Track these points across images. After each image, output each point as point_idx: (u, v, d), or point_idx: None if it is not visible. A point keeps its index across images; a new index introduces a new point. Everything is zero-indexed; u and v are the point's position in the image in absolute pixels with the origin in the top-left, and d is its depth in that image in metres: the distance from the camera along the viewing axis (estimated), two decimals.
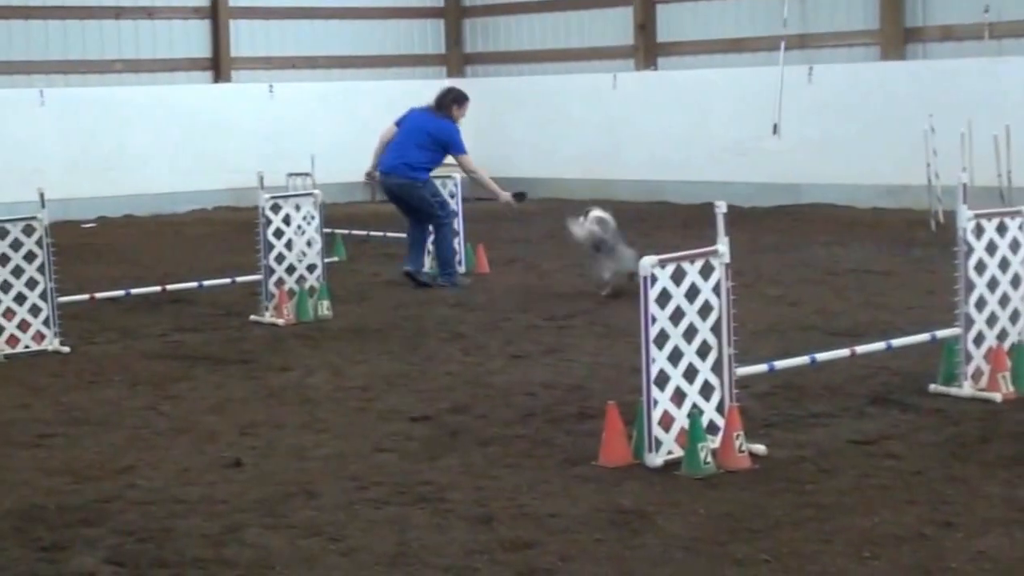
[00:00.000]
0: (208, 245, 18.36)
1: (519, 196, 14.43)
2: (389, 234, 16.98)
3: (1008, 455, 7.46)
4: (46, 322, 11.27)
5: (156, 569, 6.10)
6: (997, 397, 8.60)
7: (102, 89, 23.16)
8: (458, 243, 15.01)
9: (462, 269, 14.93)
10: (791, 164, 21.36)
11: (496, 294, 13.63)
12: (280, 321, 12.16)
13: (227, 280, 13.11)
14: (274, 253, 12.33)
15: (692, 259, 7.49)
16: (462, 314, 12.52)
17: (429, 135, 14.21)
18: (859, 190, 20.45)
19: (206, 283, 13.15)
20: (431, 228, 14.34)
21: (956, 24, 20.52)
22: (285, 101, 24.39)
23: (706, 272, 7.49)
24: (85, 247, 18.19)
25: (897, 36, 21.02)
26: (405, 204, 14.43)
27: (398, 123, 14.51)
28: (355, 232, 17.49)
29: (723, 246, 7.53)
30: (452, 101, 14.45)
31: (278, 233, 12.37)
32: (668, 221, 19.76)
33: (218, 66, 24.46)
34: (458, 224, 15.05)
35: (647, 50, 23.94)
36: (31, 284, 11.26)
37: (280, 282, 12.33)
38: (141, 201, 22.65)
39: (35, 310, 11.25)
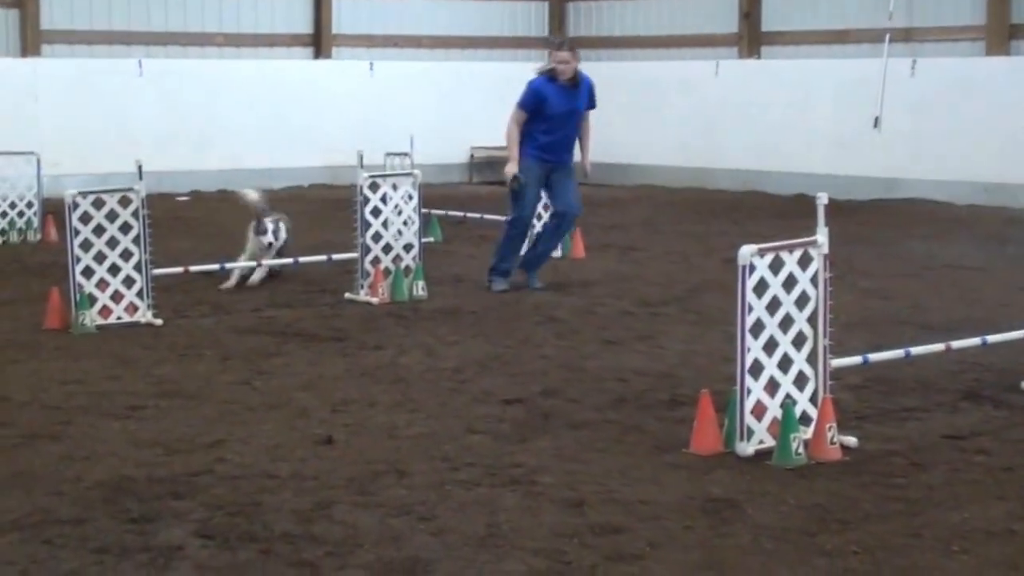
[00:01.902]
0: (303, 222, 18.43)
1: (515, 180, 13.34)
2: (487, 216, 17.02)
3: None
4: (140, 294, 11.34)
5: (244, 543, 6.15)
6: None
7: (201, 62, 23.42)
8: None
9: (558, 254, 14.82)
10: (890, 158, 21.22)
11: (590, 279, 13.65)
12: (374, 300, 12.25)
13: (322, 257, 13.19)
14: (371, 232, 12.41)
15: (791, 249, 7.47)
16: (557, 299, 12.55)
17: None
18: (957, 186, 20.28)
19: (301, 259, 13.26)
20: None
21: None
22: (385, 80, 24.54)
23: (804, 262, 7.48)
24: (179, 220, 18.41)
25: (1002, 32, 20.81)
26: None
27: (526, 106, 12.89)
28: (452, 213, 17.56)
29: (823, 237, 7.51)
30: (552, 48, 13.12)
31: (375, 212, 12.45)
32: (763, 211, 19.70)
33: (319, 42, 24.64)
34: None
35: (751, 39, 23.85)
36: (126, 255, 11.35)
37: (376, 261, 12.41)
38: (236, 176, 22.79)
39: (129, 281, 11.31)
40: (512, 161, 12.71)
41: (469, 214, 17.56)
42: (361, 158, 12.33)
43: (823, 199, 7.46)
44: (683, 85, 23.99)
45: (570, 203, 12.97)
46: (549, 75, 12.76)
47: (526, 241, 13.35)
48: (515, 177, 12.71)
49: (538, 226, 13.85)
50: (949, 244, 16.10)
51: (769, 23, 23.84)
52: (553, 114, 12.71)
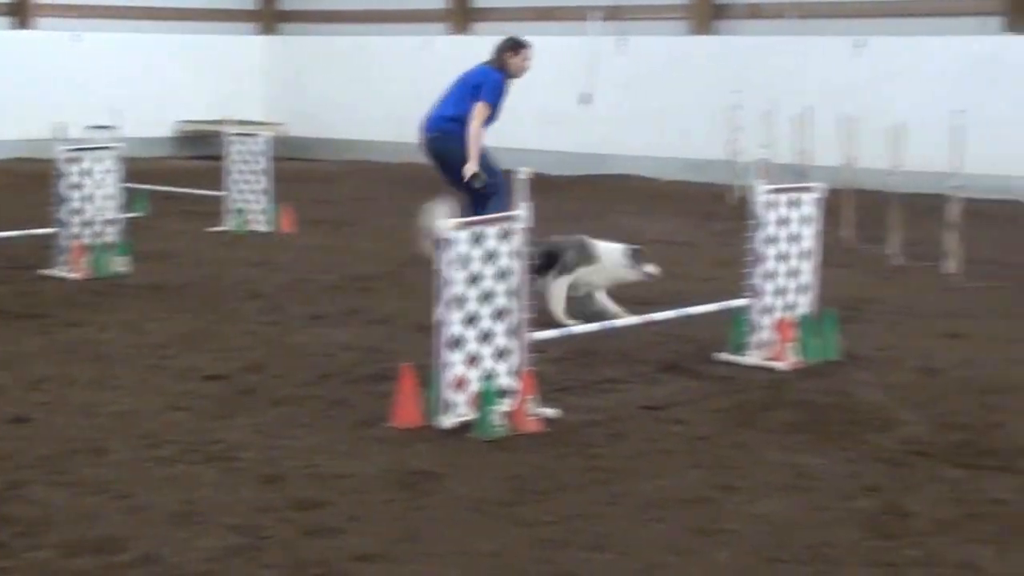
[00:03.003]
0: (2, 196, 17.95)
1: (475, 177, 13.10)
2: (193, 191, 16.78)
3: (789, 422, 7.65)
4: None
5: None
6: (783, 366, 8.82)
7: None
8: (266, 202, 14.89)
9: (267, 228, 14.83)
10: (598, 134, 21.59)
11: (300, 254, 13.56)
12: (74, 276, 11.96)
13: (19, 232, 12.80)
14: (70, 206, 12.09)
15: (492, 223, 7.53)
16: (265, 274, 12.43)
17: (467, 82, 12.93)
18: (664, 163, 20.76)
19: None
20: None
21: (765, 3, 20.91)
22: (90, 51, 23.93)
23: (505, 237, 7.54)
24: None
25: (707, 12, 21.34)
26: (444, 165, 12.86)
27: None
28: (157, 188, 17.23)
29: (524, 211, 7.58)
30: (507, 48, 13.02)
31: (76, 186, 12.13)
32: None
33: (23, 11, 23.88)
34: (266, 183, 14.92)
35: (462, 14, 23.96)
36: None
37: (76, 236, 12.10)
38: None
39: None
40: (473, 160, 12.50)
41: (175, 189, 17.27)
42: (59, 130, 11.99)
43: (523, 174, 7.54)
44: (395, 61, 24.01)
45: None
46: (499, 68, 12.86)
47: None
48: (476, 174, 12.50)
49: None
50: (656, 219, 16.44)
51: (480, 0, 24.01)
52: (500, 107, 12.87)
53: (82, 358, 9.10)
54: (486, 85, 12.75)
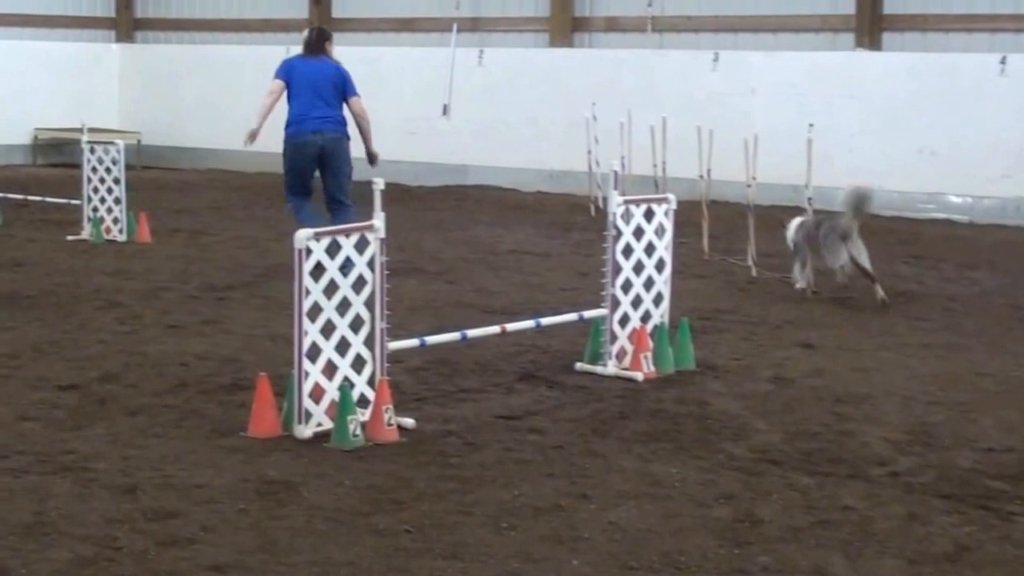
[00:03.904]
0: None
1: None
2: (48, 199, 16.55)
3: (644, 431, 7.73)
4: None
5: None
6: (639, 376, 8.91)
7: None
8: (121, 211, 14.75)
9: (123, 238, 14.70)
10: (459, 145, 21.63)
11: (156, 264, 13.43)
12: None
13: None
14: None
15: (347, 233, 7.53)
16: (120, 283, 12.29)
17: (333, 84, 12.87)
18: (524, 174, 20.86)
19: None
20: (333, 205, 13.04)
21: (622, 16, 21.12)
22: None
23: (361, 246, 7.54)
24: None
25: (565, 24, 21.49)
26: (332, 167, 12.95)
27: (286, 77, 12.91)
28: (12, 196, 16.96)
29: (379, 221, 7.59)
30: (326, 40, 13.11)
31: None
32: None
33: None
34: (120, 192, 14.76)
35: (321, 24, 23.85)
36: None
37: None
38: None
39: None
40: (373, 144, 13.36)
41: (30, 196, 17.03)
42: None
43: (380, 184, 7.56)
44: (255, 70, 23.78)
45: None
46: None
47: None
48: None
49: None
50: (515, 230, 16.52)
51: (339, 10, 23.95)
52: None
53: None
54: (350, 80, 12.93)
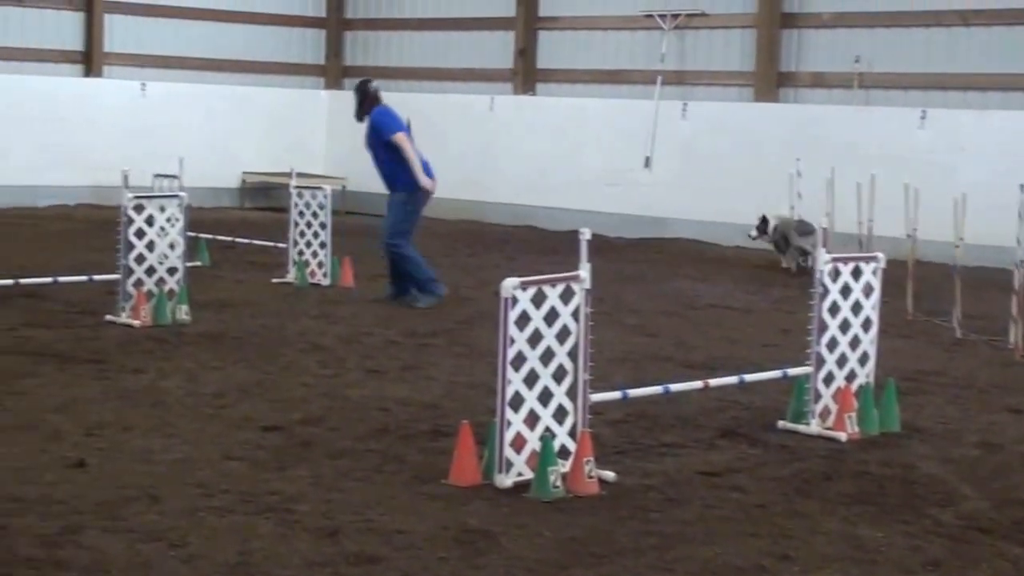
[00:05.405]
0: (67, 242, 18.10)
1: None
2: (255, 241, 16.87)
3: (849, 493, 7.58)
4: None
5: None
6: (842, 436, 8.74)
7: None
8: (326, 255, 14.99)
9: (327, 281, 14.94)
10: (659, 198, 21.56)
11: (359, 308, 13.58)
12: (136, 323, 12.01)
13: (84, 278, 12.91)
14: (134, 253, 12.16)
15: (553, 283, 7.52)
16: (323, 326, 12.46)
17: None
18: (724, 228, 20.68)
19: (61, 279, 12.95)
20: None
21: (828, 72, 20.89)
22: (157, 100, 24.13)
23: (566, 297, 7.53)
24: None
25: (770, 79, 21.34)
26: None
27: (406, 128, 13.97)
28: (220, 237, 17.33)
29: (585, 272, 7.57)
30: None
31: (140, 233, 12.20)
32: (534, 246, 19.85)
33: (90, 60, 24.13)
34: (326, 236, 15.00)
35: (526, 75, 24.07)
36: None
37: (139, 283, 12.17)
38: (0, 192, 22.30)
39: None
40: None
41: (238, 239, 17.37)
42: (126, 178, 12.08)
43: (586, 235, 7.53)
44: (458, 119, 24.07)
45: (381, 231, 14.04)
46: None
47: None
48: None
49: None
50: (714, 284, 16.40)
51: (544, 60, 24.09)
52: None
53: (140, 405, 9.14)
54: None
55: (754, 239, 18.31)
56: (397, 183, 13.81)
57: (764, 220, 18.04)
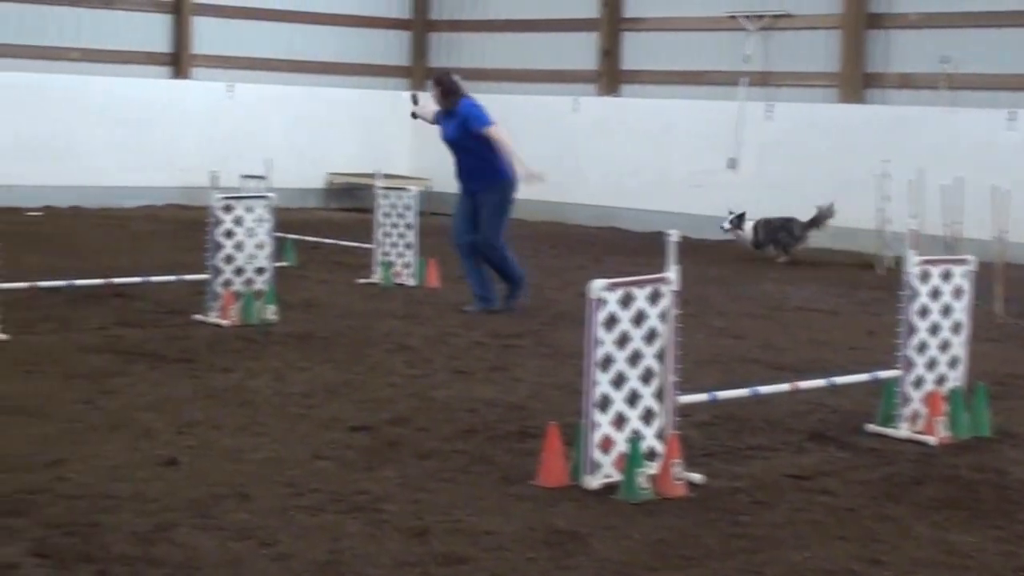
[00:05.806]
0: (155, 242, 18.29)
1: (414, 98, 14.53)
2: (341, 242, 16.96)
3: (939, 498, 7.52)
4: None
5: (81, 564, 6.03)
6: (932, 440, 8.68)
7: (55, 76, 22.96)
8: (412, 256, 15.04)
9: (413, 282, 14.98)
10: (745, 199, 21.44)
11: (444, 309, 13.62)
12: (225, 322, 12.12)
13: (173, 277, 13.04)
14: (223, 254, 12.28)
15: (641, 285, 7.51)
16: (409, 327, 12.50)
17: None
18: None
19: (152, 279, 13.08)
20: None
21: (915, 72, 20.72)
22: (244, 102, 24.34)
23: (654, 299, 7.52)
24: (29, 235, 18.06)
25: (856, 80, 21.20)
26: None
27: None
28: (307, 238, 17.44)
29: (673, 274, 7.56)
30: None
31: (228, 234, 12.31)
32: (620, 247, 19.83)
33: (178, 62, 24.37)
34: (412, 237, 15.05)
35: (610, 76, 24.04)
36: None
37: (227, 283, 12.28)
38: (89, 193, 22.57)
39: None
40: None
41: (323, 240, 17.47)
42: (214, 179, 12.19)
43: (674, 236, 7.52)
44: (543, 120, 24.07)
45: (480, 233, 13.51)
46: None
47: (470, 261, 13.61)
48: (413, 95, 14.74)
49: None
50: (801, 286, 16.31)
51: (629, 61, 24.06)
52: (444, 141, 13.68)
53: (229, 404, 9.22)
54: None
55: (726, 231, 19.13)
56: (490, 178, 13.28)
57: (741, 216, 19.01)
